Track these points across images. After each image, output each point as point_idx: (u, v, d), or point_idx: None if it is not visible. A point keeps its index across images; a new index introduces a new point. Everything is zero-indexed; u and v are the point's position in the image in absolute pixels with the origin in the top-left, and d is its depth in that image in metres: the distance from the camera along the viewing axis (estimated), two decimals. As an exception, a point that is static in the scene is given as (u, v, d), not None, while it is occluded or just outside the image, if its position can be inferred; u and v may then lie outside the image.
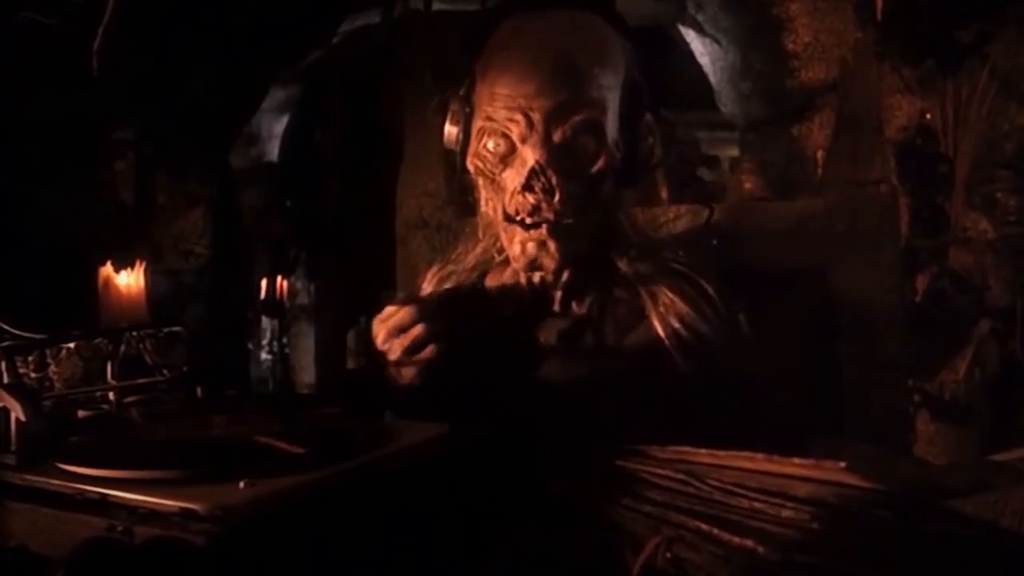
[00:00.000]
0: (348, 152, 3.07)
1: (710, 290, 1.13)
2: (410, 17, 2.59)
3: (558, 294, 1.17)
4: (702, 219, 1.35)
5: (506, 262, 1.20)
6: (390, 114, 2.58)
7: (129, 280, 1.45)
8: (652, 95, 1.16)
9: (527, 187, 1.08)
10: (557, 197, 1.08)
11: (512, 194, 1.10)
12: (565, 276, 1.15)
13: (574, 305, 1.16)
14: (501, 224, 1.14)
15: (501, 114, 1.10)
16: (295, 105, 3.34)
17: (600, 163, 1.11)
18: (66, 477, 0.72)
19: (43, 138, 2.27)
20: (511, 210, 1.11)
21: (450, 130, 1.18)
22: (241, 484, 0.69)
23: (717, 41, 2.44)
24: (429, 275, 1.29)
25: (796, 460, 0.72)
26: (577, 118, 1.08)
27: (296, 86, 3.44)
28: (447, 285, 1.24)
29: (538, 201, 1.08)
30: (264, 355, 3.38)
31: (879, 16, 1.76)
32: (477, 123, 1.14)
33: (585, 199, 1.11)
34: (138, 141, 2.50)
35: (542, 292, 1.17)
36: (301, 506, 0.71)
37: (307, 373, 3.60)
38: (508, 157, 1.12)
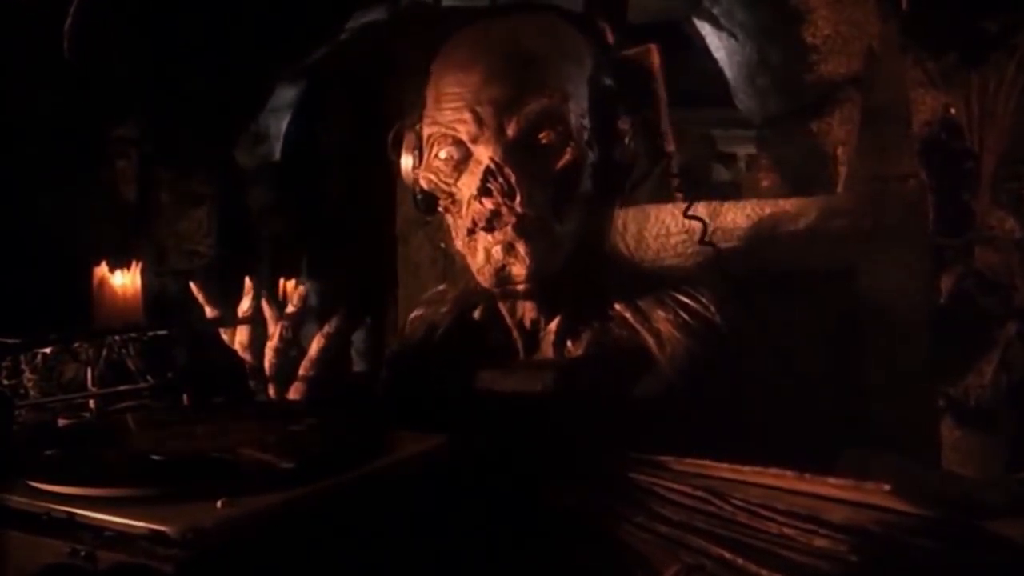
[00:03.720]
0: (351, 149, 3.03)
1: (717, 319, 1.02)
2: (415, 12, 2.54)
3: (550, 336, 1.03)
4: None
5: (486, 296, 1.07)
6: (392, 111, 2.53)
7: (125, 281, 1.40)
8: (631, 99, 1.02)
9: (483, 191, 0.94)
10: (518, 199, 0.94)
11: (469, 202, 0.97)
12: (557, 320, 1.03)
13: (569, 345, 1.03)
14: (464, 241, 1.00)
15: (447, 115, 0.97)
16: (298, 103, 3.31)
17: (566, 157, 0.96)
18: (33, 495, 0.67)
19: (43, 137, 2.24)
20: (468, 222, 0.97)
21: (405, 161, 1.06)
22: (219, 503, 0.63)
23: (733, 35, 2.38)
24: (409, 319, 1.18)
25: (831, 480, 0.65)
26: (532, 106, 0.95)
27: (304, 84, 3.40)
28: (419, 329, 1.13)
29: (497, 206, 0.94)
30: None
31: (904, 6, 1.68)
32: (426, 132, 1.02)
33: (555, 202, 0.96)
34: (140, 139, 2.46)
35: (532, 333, 1.05)
36: (284, 526, 0.65)
37: (314, 375, 3.55)
38: (462, 164, 0.99)
